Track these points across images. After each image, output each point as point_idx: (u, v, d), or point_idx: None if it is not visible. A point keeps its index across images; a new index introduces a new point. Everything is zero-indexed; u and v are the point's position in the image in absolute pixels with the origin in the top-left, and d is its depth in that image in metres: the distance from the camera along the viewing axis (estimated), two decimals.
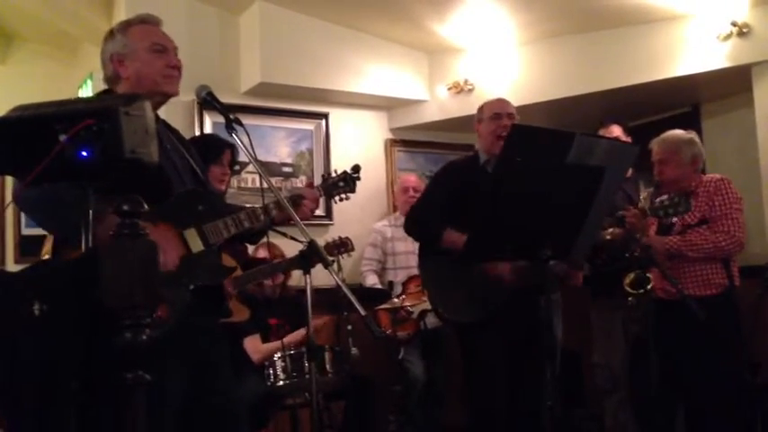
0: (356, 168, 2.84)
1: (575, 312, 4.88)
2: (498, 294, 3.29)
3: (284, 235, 3.43)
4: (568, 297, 3.72)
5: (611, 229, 3.53)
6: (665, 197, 3.43)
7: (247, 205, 2.62)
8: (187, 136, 3.02)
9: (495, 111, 3.54)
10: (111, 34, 2.40)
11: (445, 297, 3.48)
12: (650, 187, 3.73)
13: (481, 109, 3.65)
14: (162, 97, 2.39)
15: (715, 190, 3.58)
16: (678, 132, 3.76)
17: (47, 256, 2.14)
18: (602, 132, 4.33)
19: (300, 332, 4.08)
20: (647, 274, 3.52)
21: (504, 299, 3.27)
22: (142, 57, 2.35)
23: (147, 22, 2.43)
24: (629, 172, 4.35)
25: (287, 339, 4.03)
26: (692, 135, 3.76)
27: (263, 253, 4.14)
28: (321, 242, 4.04)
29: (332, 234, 4.44)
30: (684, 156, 3.62)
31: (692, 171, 3.65)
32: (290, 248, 3.84)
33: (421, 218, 3.61)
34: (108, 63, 2.37)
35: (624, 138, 4.34)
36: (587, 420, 4.85)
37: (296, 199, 2.60)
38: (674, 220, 3.61)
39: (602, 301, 4.35)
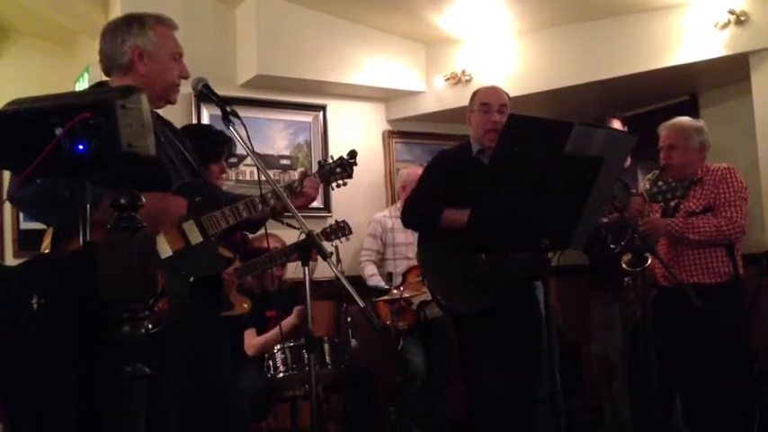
0: (352, 154, 2.83)
1: (573, 303, 4.90)
2: (498, 285, 3.29)
3: (281, 222, 3.42)
4: (567, 288, 3.73)
5: (605, 218, 3.55)
6: (662, 183, 3.44)
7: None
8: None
9: (484, 101, 3.51)
10: (139, 24, 2.34)
11: (444, 286, 3.48)
12: (649, 176, 3.74)
13: (473, 97, 3.62)
14: (164, 104, 2.41)
15: (721, 178, 3.59)
16: (688, 119, 3.78)
17: (47, 251, 2.14)
18: None
19: (291, 318, 4.11)
20: (645, 254, 3.52)
21: (504, 289, 3.27)
22: (164, 62, 2.35)
23: (172, 27, 2.42)
24: (627, 162, 4.35)
25: (285, 323, 4.05)
26: (701, 123, 3.78)
27: (264, 244, 4.14)
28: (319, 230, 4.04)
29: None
30: (693, 142, 3.64)
31: (698, 158, 3.66)
32: (290, 238, 3.84)
33: (417, 207, 3.59)
34: (126, 51, 2.32)
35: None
36: (585, 411, 4.87)
37: (294, 188, 2.60)
38: (680, 206, 3.62)
39: (600, 291, 4.36)
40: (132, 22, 2.35)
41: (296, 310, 4.18)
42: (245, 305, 3.69)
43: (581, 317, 4.64)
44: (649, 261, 3.48)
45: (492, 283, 3.29)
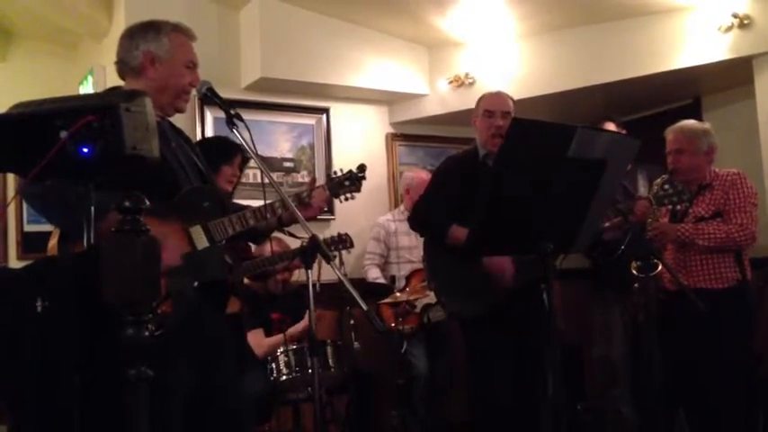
0: (362, 168, 2.86)
1: (575, 306, 4.90)
2: (502, 290, 3.30)
3: (284, 232, 3.43)
4: (568, 291, 3.72)
5: (608, 223, 3.54)
6: (668, 186, 3.43)
7: (250, 201, 2.63)
8: (188, 131, 3.03)
9: (488, 108, 3.56)
10: (155, 31, 2.39)
11: (450, 290, 3.49)
12: (657, 181, 3.73)
13: (478, 102, 3.66)
14: (173, 111, 2.44)
15: (731, 184, 3.58)
16: (694, 122, 3.77)
17: (53, 251, 2.15)
18: None
19: (303, 323, 4.08)
20: (655, 260, 3.51)
21: (509, 295, 3.28)
22: (177, 69, 2.38)
23: (190, 36, 2.46)
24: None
25: (290, 331, 4.04)
26: (707, 126, 3.76)
27: (267, 248, 4.13)
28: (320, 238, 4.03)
29: (333, 229, 4.44)
30: (701, 145, 3.63)
31: (706, 161, 3.65)
32: (293, 245, 3.84)
33: (425, 215, 3.62)
34: (137, 54, 2.36)
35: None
36: (587, 414, 4.86)
37: (303, 198, 2.62)
38: (689, 211, 3.61)
39: (602, 294, 4.35)
40: (149, 28, 2.39)
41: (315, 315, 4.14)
42: (235, 305, 3.67)
43: (583, 320, 4.63)
44: (659, 267, 3.46)
45: (496, 289, 3.30)
